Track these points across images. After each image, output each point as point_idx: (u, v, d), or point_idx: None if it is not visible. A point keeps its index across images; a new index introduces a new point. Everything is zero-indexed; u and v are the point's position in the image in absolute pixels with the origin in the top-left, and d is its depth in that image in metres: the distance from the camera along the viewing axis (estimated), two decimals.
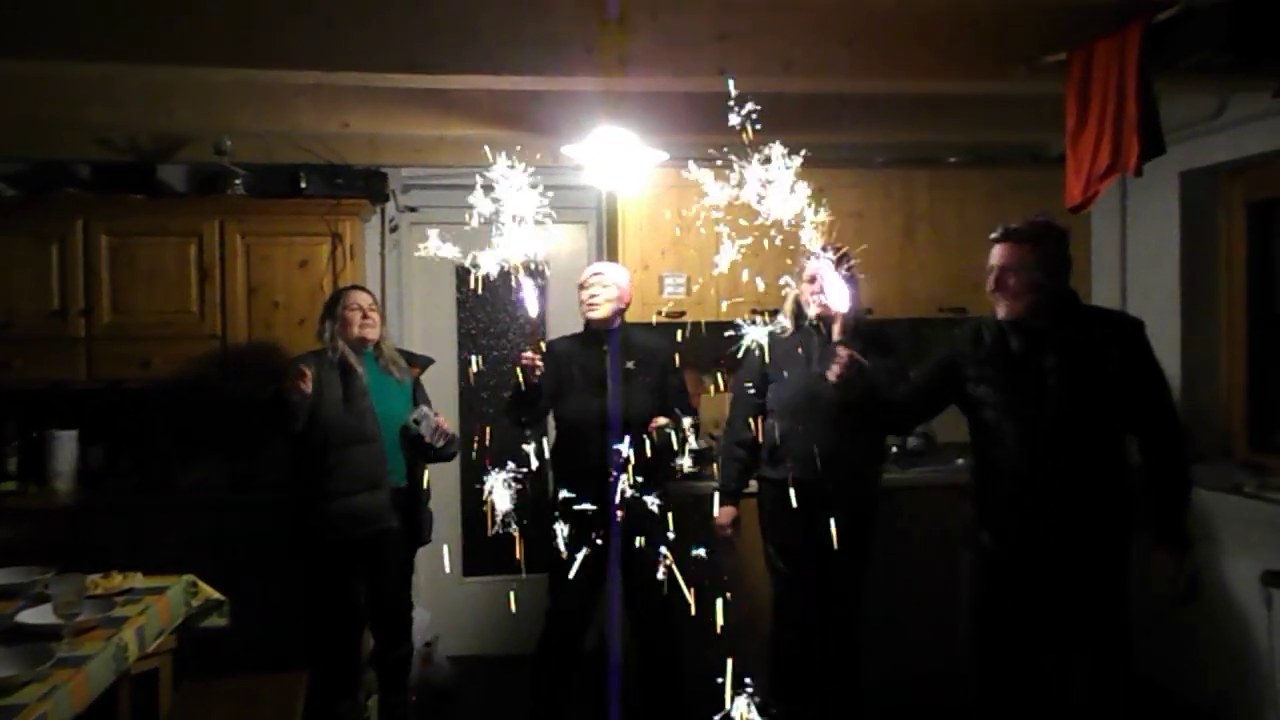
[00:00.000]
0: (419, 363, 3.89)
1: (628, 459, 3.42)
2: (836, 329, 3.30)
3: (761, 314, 3.09)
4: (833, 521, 3.52)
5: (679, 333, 3.70)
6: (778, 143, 2.39)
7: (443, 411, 3.92)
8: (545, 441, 3.69)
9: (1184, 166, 4.04)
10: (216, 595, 3.25)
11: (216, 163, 4.23)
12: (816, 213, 2.45)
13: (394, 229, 4.73)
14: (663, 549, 3.15)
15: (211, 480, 4.25)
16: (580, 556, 3.54)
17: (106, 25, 2.78)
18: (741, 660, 3.98)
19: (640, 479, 3.46)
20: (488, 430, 4.59)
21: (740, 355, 3.32)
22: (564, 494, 3.58)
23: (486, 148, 2.68)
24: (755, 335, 2.88)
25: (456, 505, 4.87)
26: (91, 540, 3.89)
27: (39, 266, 4.11)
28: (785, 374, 3.59)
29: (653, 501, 3.41)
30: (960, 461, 4.43)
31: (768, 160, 2.34)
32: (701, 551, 3.02)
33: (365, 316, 3.65)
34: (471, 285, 4.81)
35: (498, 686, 4.43)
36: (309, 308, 4.16)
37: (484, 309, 4.98)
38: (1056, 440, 2.70)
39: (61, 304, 4.12)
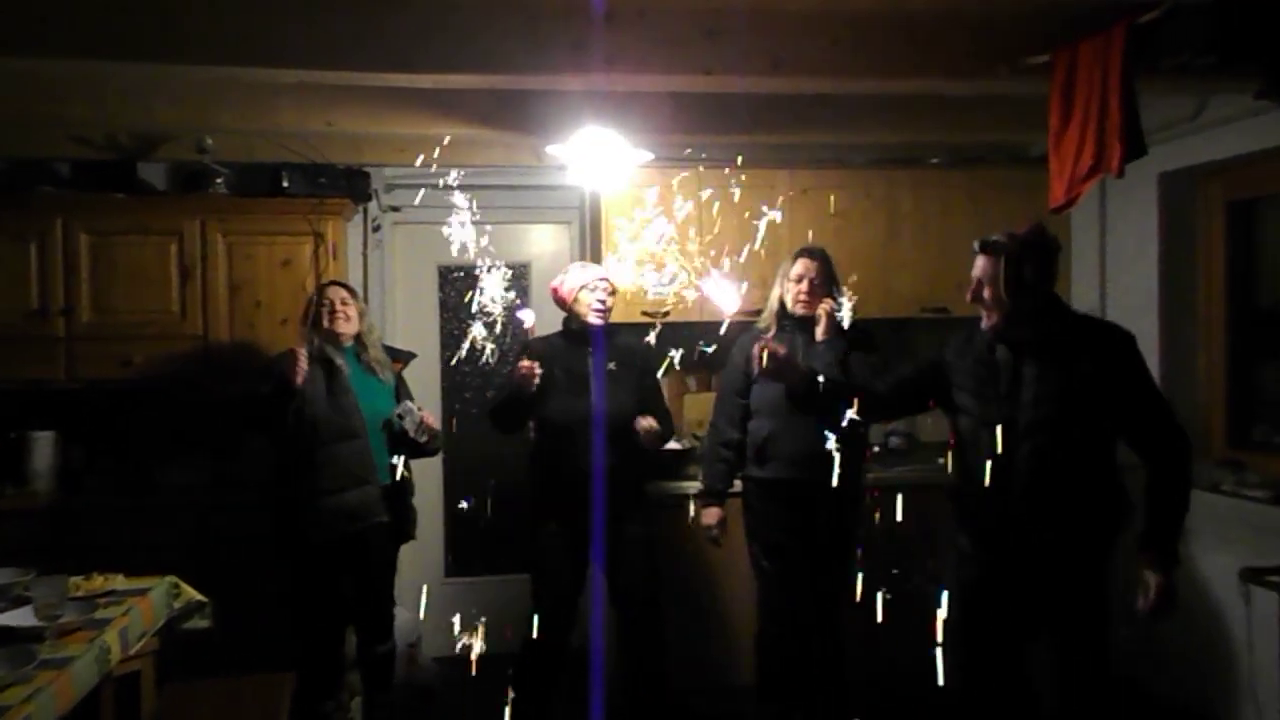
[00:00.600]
0: (402, 358, 3.89)
1: (611, 468, 3.43)
2: (820, 329, 3.32)
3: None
4: (817, 520, 3.55)
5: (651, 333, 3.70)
6: None
7: (425, 409, 3.91)
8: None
9: (1163, 167, 4.08)
10: (199, 597, 3.22)
11: (198, 161, 4.20)
12: None
13: (377, 228, 4.71)
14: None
15: (193, 480, 4.21)
16: (563, 559, 3.55)
17: (85, 22, 2.75)
18: (729, 659, 4.01)
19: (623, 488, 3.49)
20: (453, 420, 4.62)
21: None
22: (546, 497, 3.59)
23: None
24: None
25: (440, 504, 4.86)
26: (72, 542, 3.85)
27: (18, 266, 4.07)
28: (752, 374, 3.59)
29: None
30: (941, 461, 4.45)
31: None
32: None
33: (335, 311, 3.63)
34: (457, 292, 4.86)
35: (482, 686, 4.42)
36: (291, 307, 4.14)
37: (467, 309, 4.95)
38: (1033, 449, 2.72)
39: (41, 303, 4.07)
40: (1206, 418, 4.16)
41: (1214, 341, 4.16)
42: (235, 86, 3.53)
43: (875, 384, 3.13)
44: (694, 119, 3.89)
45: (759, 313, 3.80)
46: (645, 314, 4.43)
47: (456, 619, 4.79)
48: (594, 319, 3.56)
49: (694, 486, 3.92)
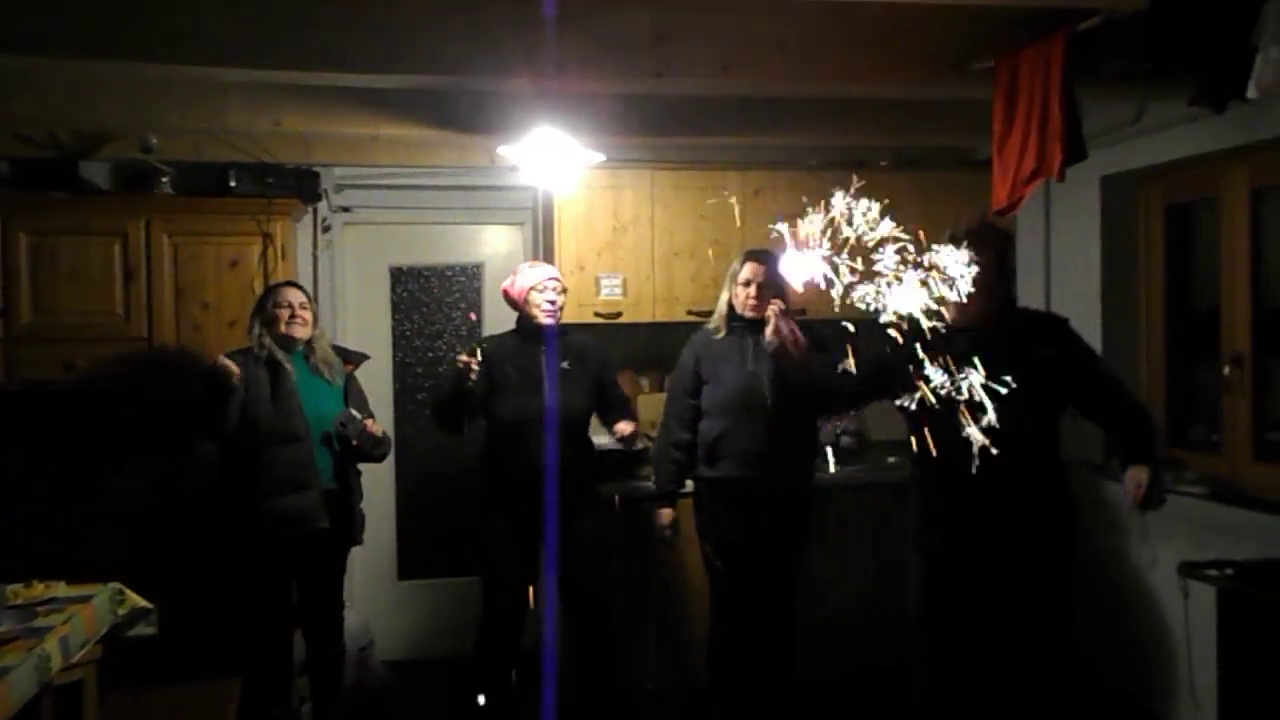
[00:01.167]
0: (353, 359, 3.82)
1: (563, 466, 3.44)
2: (768, 331, 3.34)
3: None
4: (769, 519, 3.58)
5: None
6: None
7: (377, 410, 3.88)
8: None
9: (1104, 171, 4.16)
10: (144, 603, 3.17)
11: (142, 160, 4.12)
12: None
13: (327, 229, 4.67)
14: None
15: (137, 485, 4.13)
16: (513, 559, 3.55)
17: (25, 16, 2.70)
18: (682, 659, 4.02)
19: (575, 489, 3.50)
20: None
21: None
22: (497, 496, 3.59)
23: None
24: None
25: (391, 507, 4.83)
26: (11, 549, 3.75)
27: None
28: (720, 375, 3.62)
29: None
30: (892, 460, 4.51)
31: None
32: None
33: (294, 315, 3.59)
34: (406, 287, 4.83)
35: (434, 690, 4.40)
36: (239, 309, 4.08)
37: (419, 310, 4.94)
38: (1001, 437, 2.77)
39: None
40: None
41: (1154, 342, 4.25)
42: (180, 85, 3.48)
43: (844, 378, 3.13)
44: (645, 121, 3.90)
45: (709, 314, 3.82)
46: (598, 315, 4.45)
47: (409, 622, 4.79)
48: (545, 319, 3.57)
49: (647, 487, 3.93)
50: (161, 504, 4.04)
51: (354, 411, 3.58)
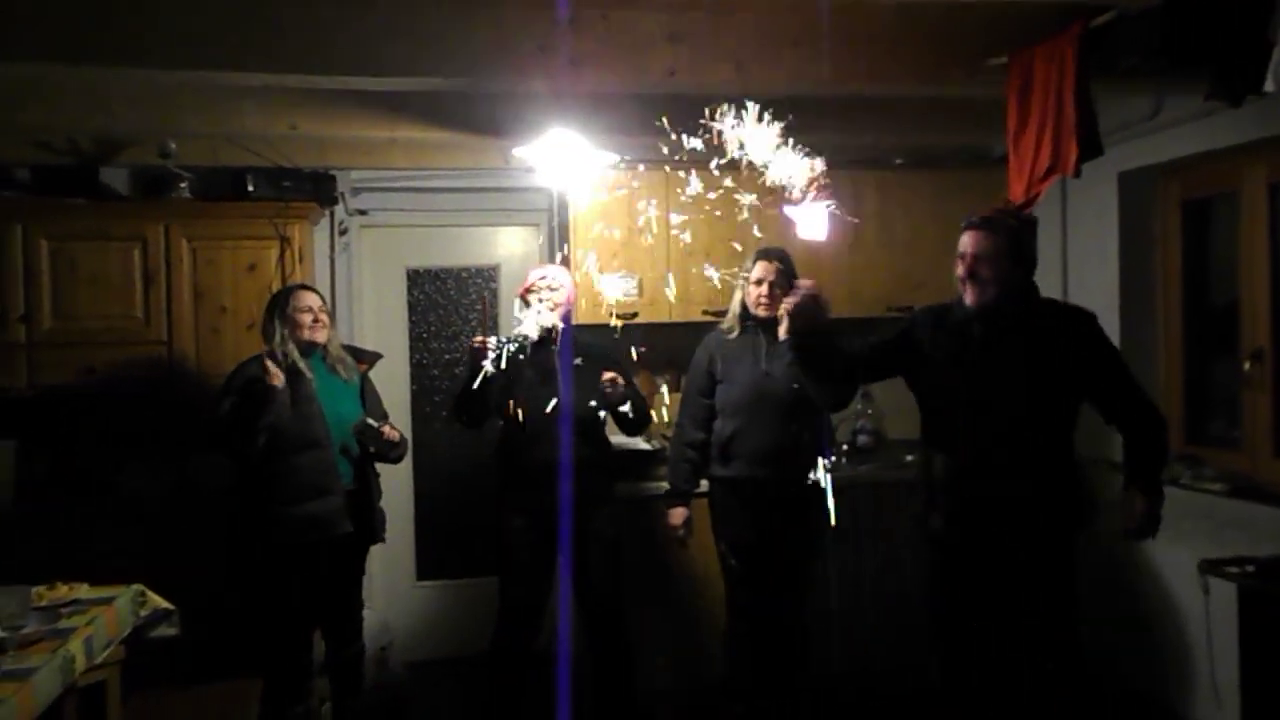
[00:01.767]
0: (366, 359, 3.83)
1: (577, 461, 3.45)
2: (782, 329, 3.34)
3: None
4: (783, 517, 3.58)
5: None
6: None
7: (393, 412, 3.89)
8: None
9: (1122, 167, 4.14)
10: (166, 604, 3.20)
11: (161, 166, 4.15)
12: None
13: (344, 232, 4.69)
14: None
15: (158, 487, 4.16)
16: (529, 554, 3.56)
17: (40, 24, 2.73)
18: (697, 657, 4.03)
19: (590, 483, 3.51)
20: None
21: None
22: (513, 492, 3.60)
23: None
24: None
25: (409, 508, 4.85)
26: (35, 551, 3.79)
27: None
28: (733, 374, 3.62)
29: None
30: (910, 459, 4.50)
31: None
32: None
33: (315, 319, 3.57)
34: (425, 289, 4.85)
35: (453, 690, 4.42)
36: (257, 312, 4.09)
37: (436, 312, 4.96)
38: (1012, 427, 2.77)
39: (0, 310, 4.02)
40: (1165, 412, 4.22)
41: (1171, 338, 4.23)
42: (197, 90, 3.50)
43: (850, 346, 3.11)
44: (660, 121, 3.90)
45: (723, 313, 3.83)
46: (614, 315, 4.45)
47: (427, 622, 4.81)
48: (541, 319, 3.59)
49: (662, 487, 3.94)
50: (183, 506, 4.07)
51: (370, 420, 3.56)
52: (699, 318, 4.44)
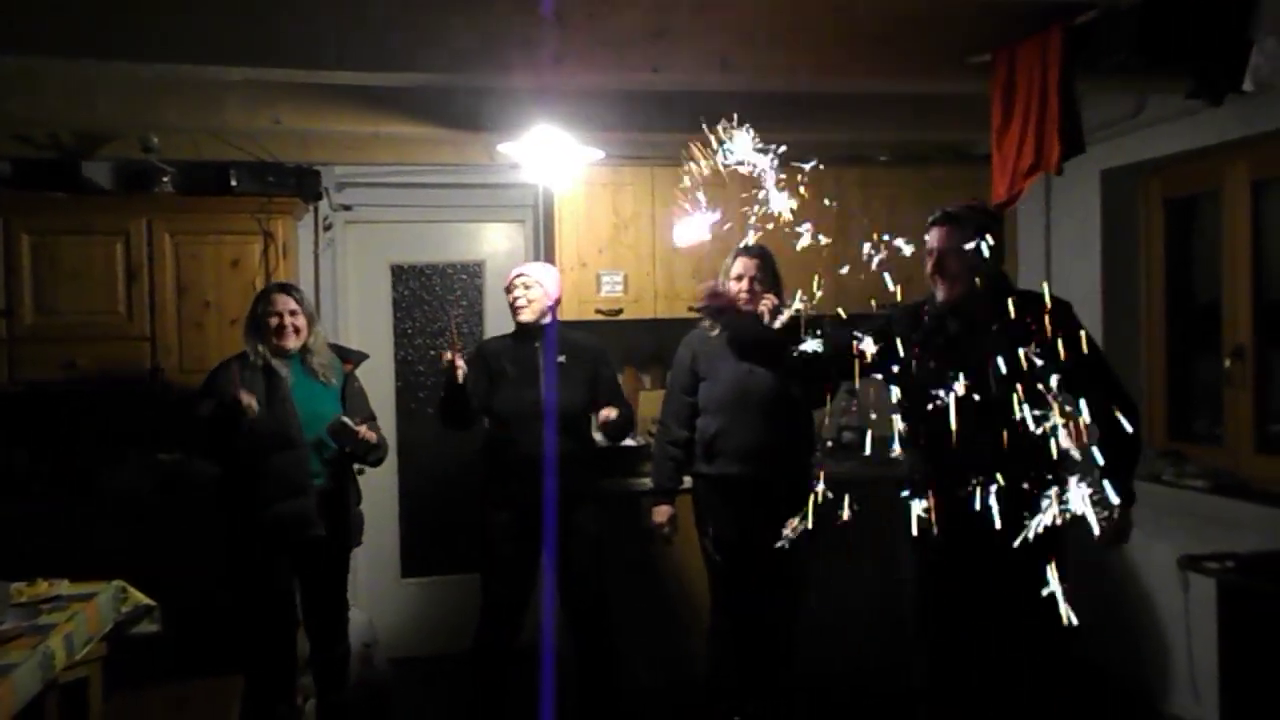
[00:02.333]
0: (352, 358, 3.77)
1: (561, 458, 3.46)
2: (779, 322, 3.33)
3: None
4: (766, 514, 3.58)
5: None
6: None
7: (378, 409, 3.88)
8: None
9: (1105, 165, 4.16)
10: (147, 601, 3.18)
11: (143, 159, 4.13)
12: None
13: (328, 227, 4.68)
14: None
15: (140, 483, 4.15)
16: (512, 550, 3.57)
17: (22, 15, 2.70)
18: (682, 654, 4.02)
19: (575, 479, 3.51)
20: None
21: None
22: (497, 487, 3.61)
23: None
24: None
25: (394, 505, 4.84)
26: (15, 547, 3.76)
27: None
28: (716, 371, 3.62)
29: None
30: (895, 454, 4.50)
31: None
32: None
33: (283, 324, 3.49)
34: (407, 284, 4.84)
35: (438, 687, 4.41)
36: (241, 308, 4.06)
37: (420, 308, 4.94)
38: (993, 421, 2.78)
39: None
40: (1148, 410, 4.26)
41: (1154, 336, 4.26)
42: (180, 84, 3.48)
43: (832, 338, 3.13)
44: (644, 117, 3.90)
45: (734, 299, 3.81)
46: (599, 311, 4.46)
47: (412, 619, 4.81)
48: (520, 315, 3.62)
49: (646, 483, 3.94)
50: (164, 502, 4.05)
51: (345, 419, 3.50)
52: (684, 314, 4.44)
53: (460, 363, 3.48)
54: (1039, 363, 2.76)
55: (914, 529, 2.99)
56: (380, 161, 4.53)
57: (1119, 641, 4.09)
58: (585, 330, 3.96)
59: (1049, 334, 2.77)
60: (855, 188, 4.66)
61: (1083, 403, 2.85)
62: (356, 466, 3.72)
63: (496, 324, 4.63)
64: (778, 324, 3.10)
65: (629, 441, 4.31)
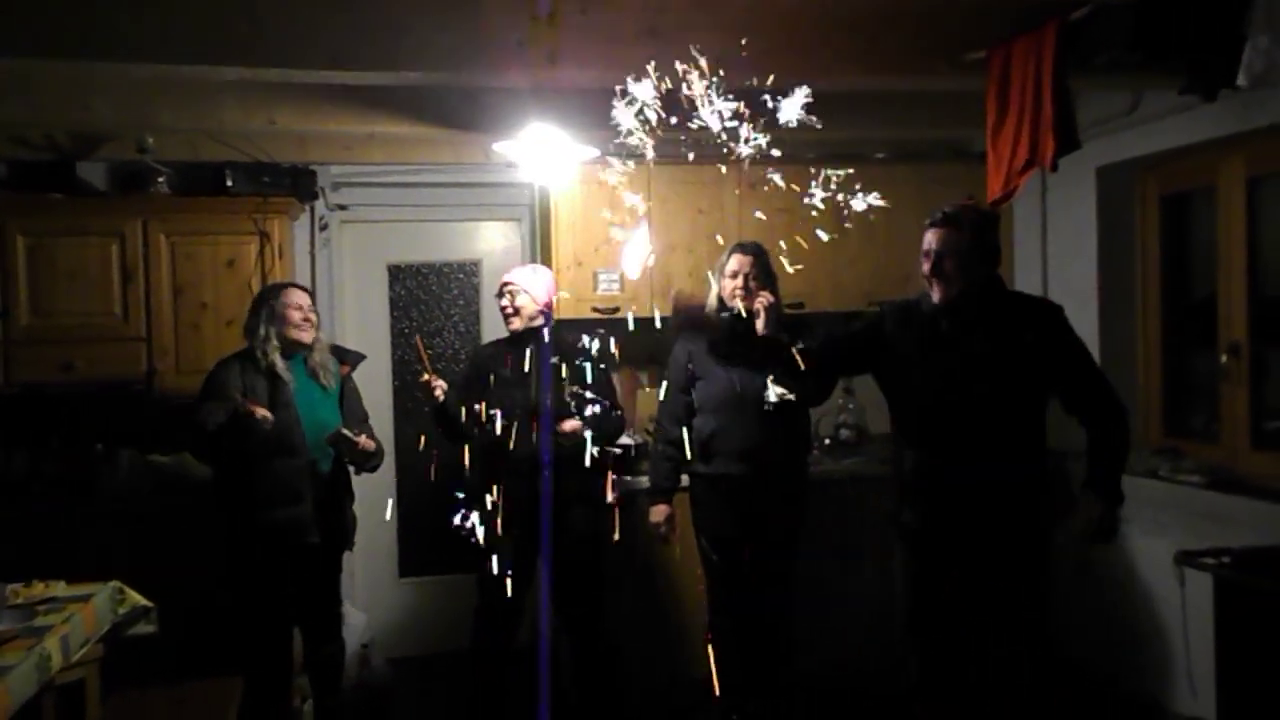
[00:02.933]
0: (350, 359, 3.77)
1: (557, 457, 3.46)
2: (760, 323, 3.34)
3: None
4: (764, 513, 3.58)
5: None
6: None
7: (375, 412, 3.88)
8: None
9: (1100, 161, 4.16)
10: (144, 602, 3.18)
11: (139, 160, 4.13)
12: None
13: (324, 227, 4.67)
14: None
15: (136, 484, 4.15)
16: (507, 551, 3.57)
17: (14, 17, 2.70)
18: (680, 654, 4.02)
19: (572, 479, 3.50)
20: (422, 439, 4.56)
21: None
22: (491, 490, 3.60)
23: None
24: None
25: (391, 505, 4.83)
26: (13, 549, 3.76)
27: None
28: (712, 370, 3.62)
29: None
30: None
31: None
32: None
33: (305, 318, 3.52)
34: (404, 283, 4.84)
35: (435, 687, 4.41)
36: (237, 308, 4.09)
37: (417, 307, 4.94)
38: (983, 421, 2.78)
39: None
40: (1144, 406, 4.26)
41: (1150, 332, 4.25)
42: (175, 84, 3.49)
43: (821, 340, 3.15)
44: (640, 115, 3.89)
45: (703, 306, 3.82)
46: (595, 310, 4.45)
47: (410, 620, 4.80)
48: (510, 325, 3.65)
49: (643, 482, 3.94)
50: (161, 503, 4.04)
51: (345, 431, 3.51)
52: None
53: (437, 382, 3.51)
54: (1029, 365, 2.78)
55: (900, 527, 3.01)
56: (376, 161, 4.53)
57: (1115, 637, 4.09)
58: (581, 329, 3.95)
59: (1040, 337, 2.79)
60: (851, 185, 4.65)
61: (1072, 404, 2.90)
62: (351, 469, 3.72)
63: (494, 322, 4.62)
64: (760, 324, 3.11)
65: (625, 440, 4.31)
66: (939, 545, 2.90)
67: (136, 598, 3.17)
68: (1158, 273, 4.23)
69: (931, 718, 2.98)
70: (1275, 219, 3.69)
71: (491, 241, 4.98)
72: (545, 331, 3.62)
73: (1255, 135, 3.49)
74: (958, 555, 2.87)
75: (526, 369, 3.57)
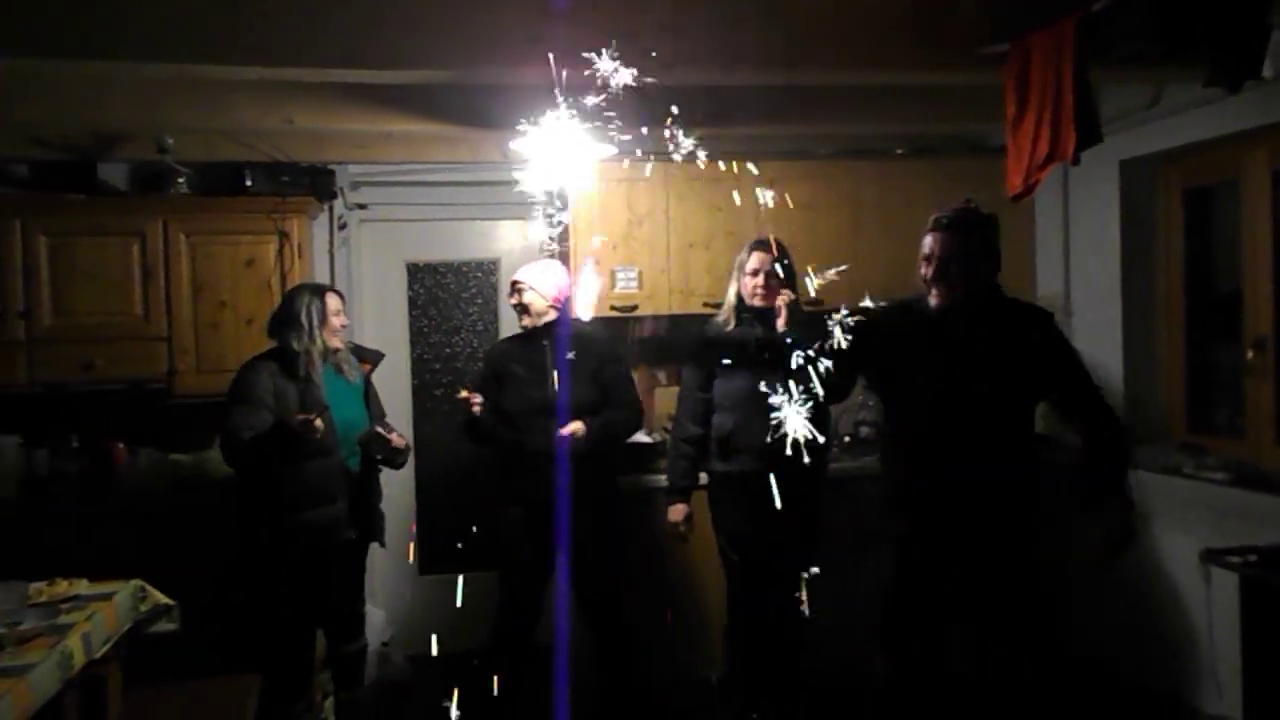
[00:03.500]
0: (370, 358, 3.78)
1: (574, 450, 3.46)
2: (780, 321, 3.33)
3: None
4: (782, 510, 3.56)
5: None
6: None
7: (394, 410, 3.88)
8: None
9: (1123, 155, 4.12)
10: (165, 600, 3.20)
11: (159, 161, 4.15)
12: None
13: (343, 226, 4.69)
14: None
15: (158, 483, 4.17)
16: (525, 546, 3.57)
17: (34, 18, 2.72)
18: (697, 651, 4.00)
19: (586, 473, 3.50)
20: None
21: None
22: (508, 484, 3.61)
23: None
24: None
25: (411, 502, 4.85)
26: (36, 547, 3.80)
27: None
28: (730, 368, 3.59)
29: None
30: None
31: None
32: None
33: (343, 325, 3.56)
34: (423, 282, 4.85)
35: (455, 683, 4.41)
36: (256, 307, 4.13)
37: (436, 306, 4.95)
38: (983, 423, 2.76)
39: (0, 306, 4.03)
40: (1167, 402, 4.22)
41: (1174, 326, 4.21)
42: (191, 84, 3.49)
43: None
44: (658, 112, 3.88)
45: (719, 305, 3.81)
46: (614, 309, 4.45)
47: (430, 617, 4.81)
48: (522, 321, 3.65)
49: (663, 479, 3.93)
50: (183, 501, 4.07)
51: (379, 429, 3.53)
52: (699, 310, 4.42)
53: (476, 399, 3.50)
54: (1027, 369, 2.77)
55: (889, 530, 2.98)
56: (393, 160, 4.54)
57: (1140, 637, 4.05)
58: (598, 324, 3.95)
59: (1038, 342, 2.79)
60: (869, 181, 4.63)
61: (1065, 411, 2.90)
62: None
63: (511, 321, 4.60)
64: (781, 321, 3.09)
65: (643, 438, 4.30)
66: (933, 550, 2.87)
67: (158, 596, 3.18)
68: (1181, 267, 4.18)
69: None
70: None
71: (510, 240, 4.98)
72: (559, 326, 3.61)
73: (1279, 128, 3.45)
74: (956, 557, 2.85)
75: (540, 365, 3.57)
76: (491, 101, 3.75)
